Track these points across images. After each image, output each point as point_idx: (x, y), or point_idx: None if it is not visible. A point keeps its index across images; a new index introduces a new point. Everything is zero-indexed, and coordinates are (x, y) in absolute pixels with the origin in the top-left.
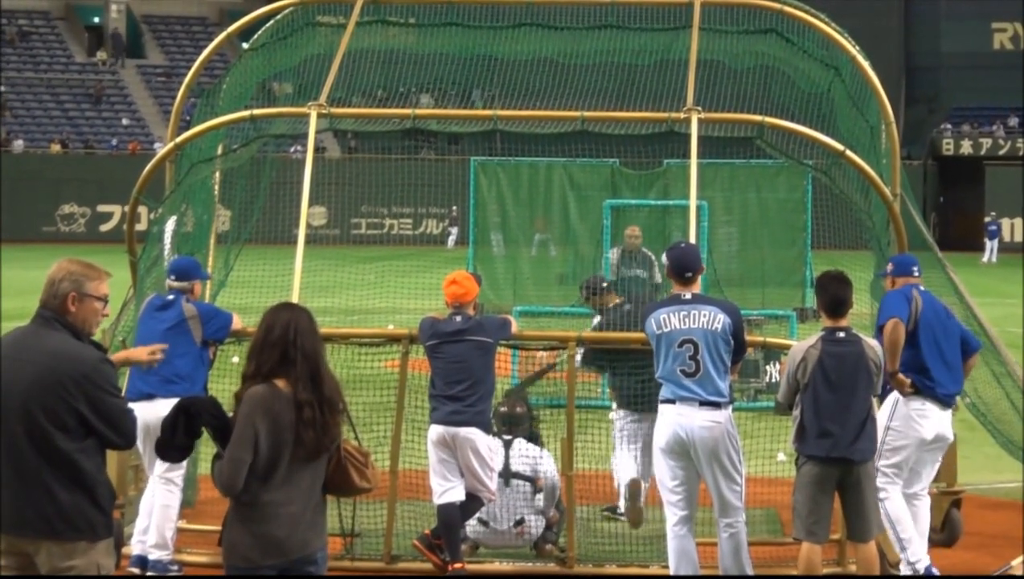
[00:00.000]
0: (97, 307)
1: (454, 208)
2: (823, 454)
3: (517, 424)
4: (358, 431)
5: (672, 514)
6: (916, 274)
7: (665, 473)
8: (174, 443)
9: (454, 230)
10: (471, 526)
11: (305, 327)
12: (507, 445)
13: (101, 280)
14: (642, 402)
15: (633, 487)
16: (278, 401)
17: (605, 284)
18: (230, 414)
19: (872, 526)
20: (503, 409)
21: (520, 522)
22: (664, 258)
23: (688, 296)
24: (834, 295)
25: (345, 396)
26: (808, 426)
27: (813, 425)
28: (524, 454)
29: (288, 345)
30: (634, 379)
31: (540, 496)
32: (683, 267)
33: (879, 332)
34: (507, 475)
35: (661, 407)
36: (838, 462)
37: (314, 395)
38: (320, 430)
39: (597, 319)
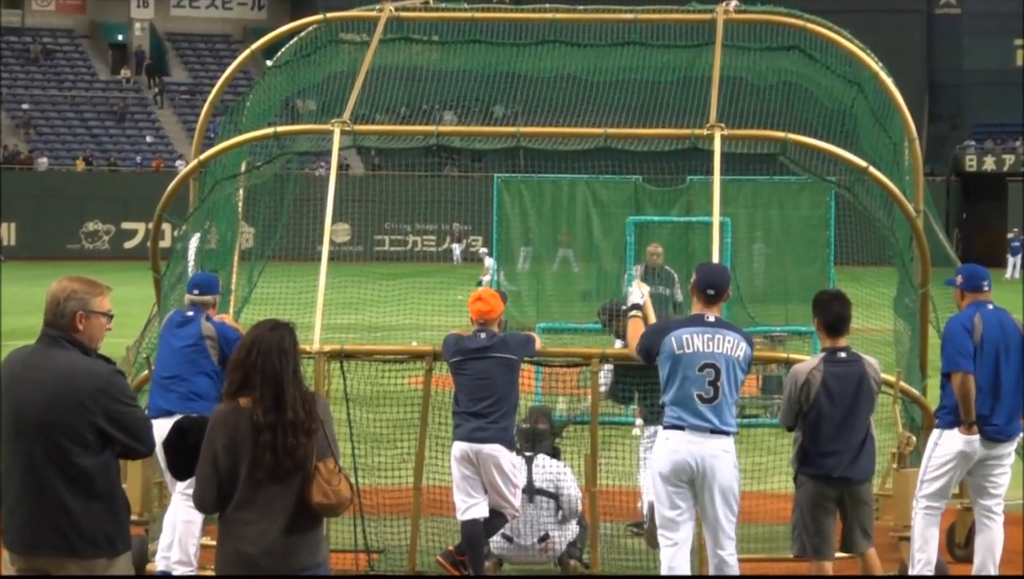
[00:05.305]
0: (103, 322)
1: (455, 224)
2: (826, 474)
3: (540, 440)
4: (336, 447)
5: (667, 542)
6: (986, 289)
7: (664, 500)
8: (177, 461)
9: (456, 247)
10: (495, 542)
11: (268, 346)
12: (529, 461)
13: (104, 296)
14: None
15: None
16: (236, 417)
17: (624, 307)
18: None
19: (870, 539)
20: (525, 425)
21: (545, 538)
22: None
23: (712, 318)
24: (838, 313)
25: (329, 412)
26: (809, 447)
27: (816, 446)
28: (546, 470)
29: (249, 366)
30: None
31: (562, 512)
32: (709, 285)
33: (945, 377)
34: (531, 491)
35: (667, 432)
36: (840, 482)
37: (276, 418)
38: (282, 453)
39: (619, 343)
